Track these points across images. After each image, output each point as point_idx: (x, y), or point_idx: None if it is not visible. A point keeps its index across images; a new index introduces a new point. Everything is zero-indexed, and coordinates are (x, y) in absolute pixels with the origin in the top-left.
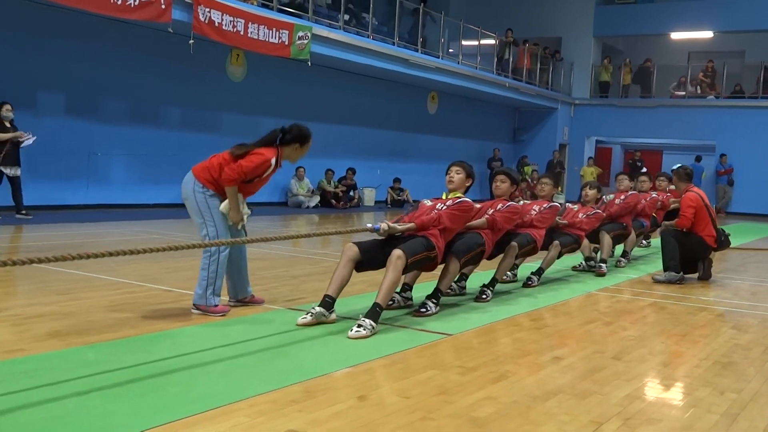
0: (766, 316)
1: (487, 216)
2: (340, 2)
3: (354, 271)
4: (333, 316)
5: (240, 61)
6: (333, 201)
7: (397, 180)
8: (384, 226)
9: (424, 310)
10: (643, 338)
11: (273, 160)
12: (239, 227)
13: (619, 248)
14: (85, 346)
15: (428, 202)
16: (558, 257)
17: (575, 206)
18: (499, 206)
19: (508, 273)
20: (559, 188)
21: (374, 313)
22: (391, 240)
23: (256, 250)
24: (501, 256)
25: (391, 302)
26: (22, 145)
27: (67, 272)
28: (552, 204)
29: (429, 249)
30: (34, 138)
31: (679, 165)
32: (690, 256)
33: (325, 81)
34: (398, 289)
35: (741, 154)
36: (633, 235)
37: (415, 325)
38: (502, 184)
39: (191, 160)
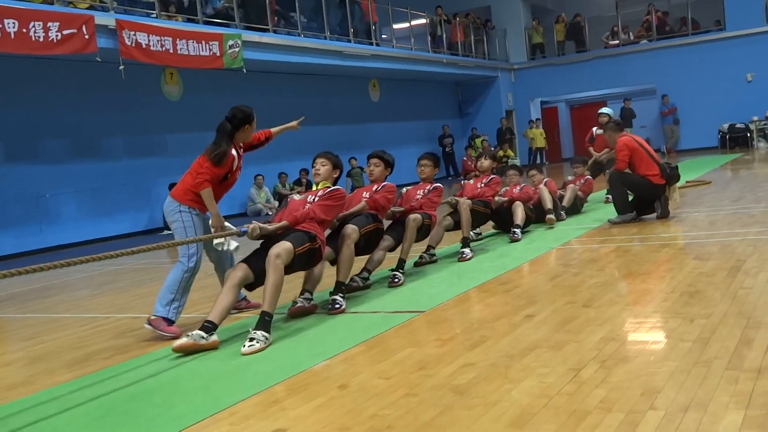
0: (725, 242)
1: (365, 199)
2: (266, 5)
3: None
4: (213, 338)
5: (174, 80)
6: None
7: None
8: (253, 226)
9: (338, 306)
10: (610, 283)
11: (233, 151)
12: (223, 248)
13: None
14: (58, 386)
15: (297, 197)
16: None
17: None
18: (375, 188)
19: (424, 255)
20: (513, 153)
21: (264, 322)
22: (271, 243)
23: None
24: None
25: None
26: None
27: (31, 317)
28: (436, 185)
29: (312, 240)
30: None
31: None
32: (645, 198)
33: (264, 86)
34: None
35: (681, 92)
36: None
37: (387, 308)
38: (376, 168)
39: (141, 186)
